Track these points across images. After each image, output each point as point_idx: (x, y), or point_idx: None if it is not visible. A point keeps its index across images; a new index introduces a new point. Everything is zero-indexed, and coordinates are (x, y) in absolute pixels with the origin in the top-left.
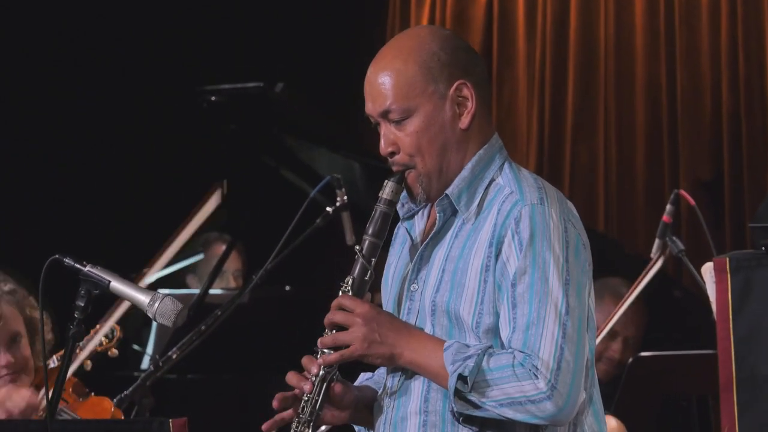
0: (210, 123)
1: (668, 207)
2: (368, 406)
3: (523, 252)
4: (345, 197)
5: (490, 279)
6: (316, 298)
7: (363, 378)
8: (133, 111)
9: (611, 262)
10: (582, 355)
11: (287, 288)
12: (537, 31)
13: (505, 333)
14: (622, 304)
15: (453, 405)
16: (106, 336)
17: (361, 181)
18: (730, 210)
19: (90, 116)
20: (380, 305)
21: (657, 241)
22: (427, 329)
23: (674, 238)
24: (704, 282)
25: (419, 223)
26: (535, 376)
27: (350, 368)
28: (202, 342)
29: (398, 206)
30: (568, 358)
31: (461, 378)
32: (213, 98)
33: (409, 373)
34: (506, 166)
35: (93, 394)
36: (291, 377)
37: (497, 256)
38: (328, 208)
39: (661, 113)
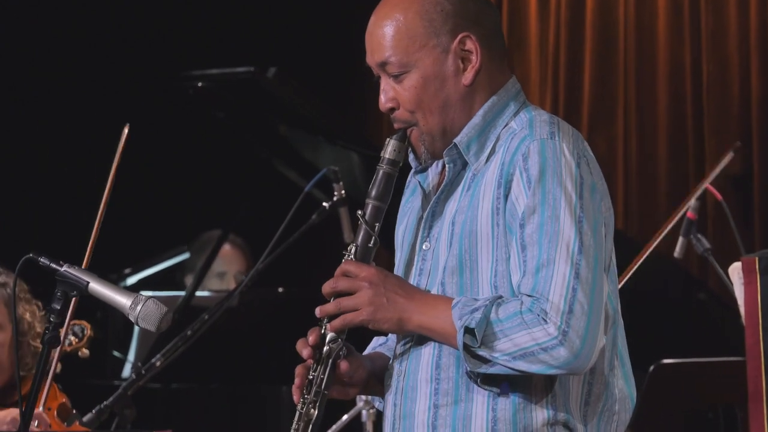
0: (196, 111)
1: (693, 202)
2: (381, 377)
3: (532, 190)
4: (343, 191)
5: (501, 222)
6: (312, 301)
7: (376, 343)
8: (111, 98)
9: (631, 261)
10: (599, 297)
11: (280, 290)
12: (550, 10)
13: (515, 278)
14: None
15: (466, 364)
16: (75, 335)
17: (360, 174)
18: (760, 206)
19: (66, 105)
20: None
21: (681, 240)
22: (439, 290)
23: (699, 236)
24: (732, 283)
25: (433, 176)
26: (544, 320)
27: (359, 337)
28: (189, 348)
29: (410, 159)
30: (581, 300)
31: (469, 331)
32: (200, 84)
33: (418, 338)
34: (524, 110)
35: (78, 418)
36: (298, 344)
37: (506, 196)
38: (324, 203)
39: (686, 100)
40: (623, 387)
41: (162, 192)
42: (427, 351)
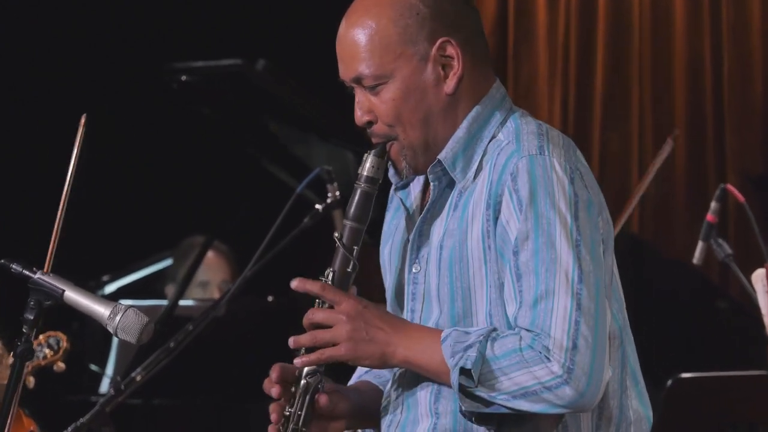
0: (180, 107)
1: (713, 204)
2: (370, 409)
3: (524, 213)
4: (337, 192)
5: (492, 246)
6: (304, 311)
7: (361, 371)
8: (88, 93)
9: (646, 267)
10: (602, 328)
11: (270, 299)
12: None
13: (511, 309)
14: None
15: (461, 405)
16: (50, 347)
17: (356, 174)
18: None
19: (41, 100)
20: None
21: (700, 244)
22: (435, 316)
23: (720, 240)
24: (755, 291)
25: (415, 193)
26: (547, 358)
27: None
28: (171, 362)
29: (390, 174)
30: (585, 334)
31: (464, 372)
32: (184, 78)
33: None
34: (511, 119)
35: None
36: (265, 383)
37: (496, 218)
38: (317, 205)
39: (705, 96)
40: (638, 407)
41: (143, 194)
42: (424, 383)
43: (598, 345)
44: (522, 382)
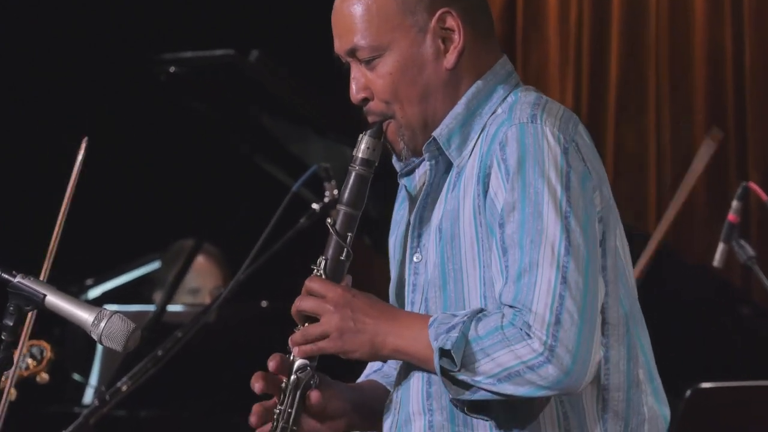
0: (168, 100)
1: (734, 203)
2: (373, 409)
3: (511, 183)
4: (335, 191)
5: (484, 222)
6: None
7: (370, 370)
8: (72, 86)
9: (664, 273)
10: (592, 303)
11: (264, 304)
12: None
13: (498, 287)
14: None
15: (448, 391)
16: (33, 357)
17: None
18: None
19: (17, 96)
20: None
21: (721, 246)
22: (423, 307)
23: (742, 242)
24: None
25: (420, 178)
26: (528, 335)
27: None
28: (159, 371)
29: (393, 160)
30: (570, 308)
31: (445, 354)
32: (172, 69)
33: (406, 363)
34: (512, 93)
35: None
36: (252, 379)
37: (486, 192)
38: (314, 205)
39: (726, 88)
40: (653, 404)
41: (129, 193)
42: (417, 378)
43: (585, 321)
44: (504, 362)
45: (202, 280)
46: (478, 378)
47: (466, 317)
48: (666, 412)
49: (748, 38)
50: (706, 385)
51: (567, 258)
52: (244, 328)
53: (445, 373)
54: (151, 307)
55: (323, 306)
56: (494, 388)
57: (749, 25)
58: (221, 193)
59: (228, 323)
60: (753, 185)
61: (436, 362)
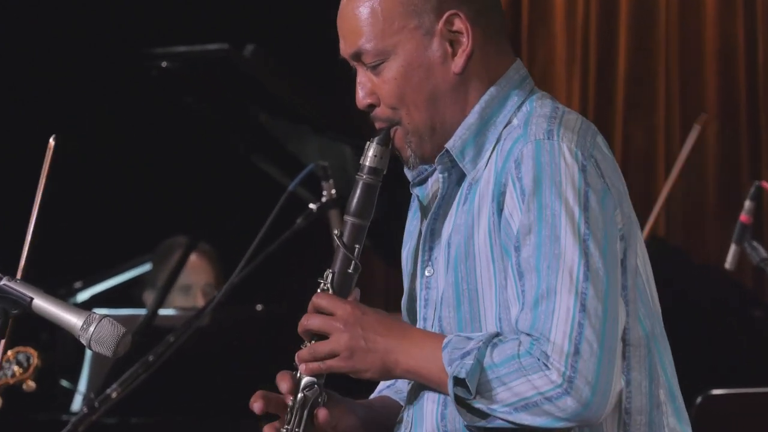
0: (160, 96)
1: (747, 203)
2: (384, 427)
3: (526, 204)
4: (333, 191)
5: (498, 242)
6: (297, 320)
7: (383, 386)
8: (59, 82)
9: (674, 275)
10: (612, 331)
11: (259, 307)
12: None
13: (514, 312)
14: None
15: (462, 418)
16: (19, 364)
17: (354, 171)
18: None
19: (7, 87)
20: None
21: (733, 248)
22: (437, 326)
23: (755, 243)
24: None
25: (432, 186)
26: (545, 365)
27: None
28: (151, 376)
29: (405, 169)
30: (589, 338)
31: (459, 382)
32: (164, 64)
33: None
34: (528, 102)
35: None
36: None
37: (500, 211)
38: (311, 205)
39: (738, 85)
40: (675, 425)
41: (119, 192)
42: (430, 399)
43: (605, 350)
44: (521, 392)
45: (193, 277)
46: (493, 406)
47: (481, 342)
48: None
49: (761, 33)
50: (717, 391)
51: (586, 284)
52: (238, 332)
53: (459, 401)
54: (142, 311)
55: (332, 324)
56: (510, 418)
57: (762, 20)
58: (215, 191)
59: (222, 327)
60: (766, 185)
61: (450, 390)
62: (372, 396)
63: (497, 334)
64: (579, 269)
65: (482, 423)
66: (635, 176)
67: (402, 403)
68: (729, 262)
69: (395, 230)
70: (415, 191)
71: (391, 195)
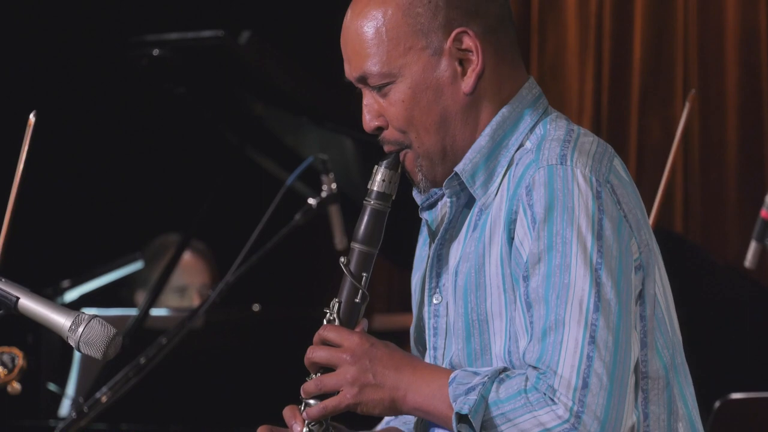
0: (151, 86)
1: None
2: None
3: (537, 232)
4: (333, 185)
5: (509, 272)
6: (295, 321)
7: (388, 418)
8: (44, 71)
9: (692, 273)
10: (622, 365)
11: (256, 308)
12: None
13: (522, 344)
14: None
15: None
16: (4, 365)
17: (354, 164)
18: None
19: None
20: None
21: (753, 245)
22: (457, 354)
23: None
24: None
25: (441, 209)
26: (552, 400)
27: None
28: (142, 380)
29: (414, 192)
30: (598, 371)
31: (462, 419)
32: (156, 52)
33: None
34: (541, 124)
35: None
36: None
37: (511, 239)
38: (310, 200)
39: (761, 74)
40: None
41: (108, 187)
42: (441, 430)
43: (616, 384)
44: (527, 428)
45: (189, 278)
46: None
47: (486, 377)
48: None
49: None
50: (737, 395)
51: (596, 315)
52: (233, 333)
53: None
54: (133, 311)
55: (339, 356)
56: None
57: None
58: (208, 186)
59: (216, 329)
60: None
61: (454, 426)
62: (378, 428)
63: (504, 369)
64: (589, 299)
65: None
66: (651, 171)
67: None
68: (749, 261)
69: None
70: (424, 215)
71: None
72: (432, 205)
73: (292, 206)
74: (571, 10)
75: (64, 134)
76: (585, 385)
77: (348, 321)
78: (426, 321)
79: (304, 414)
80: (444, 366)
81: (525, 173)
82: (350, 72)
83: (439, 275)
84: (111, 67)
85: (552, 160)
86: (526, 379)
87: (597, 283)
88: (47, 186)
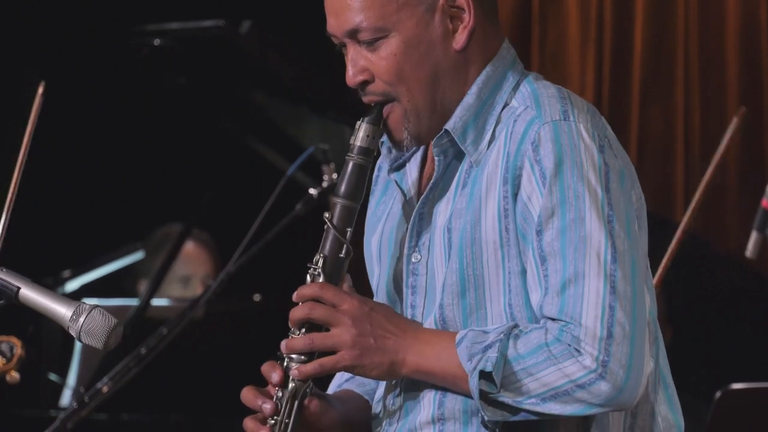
0: (152, 76)
1: None
2: (357, 421)
3: (548, 187)
4: (334, 175)
5: (511, 227)
6: None
7: (341, 379)
8: (45, 60)
9: (693, 264)
10: (641, 313)
11: (256, 297)
12: None
13: (535, 297)
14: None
15: (483, 414)
16: (2, 354)
17: None
18: None
19: None
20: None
21: (754, 235)
22: (437, 315)
23: None
24: None
25: (412, 172)
26: (578, 351)
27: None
28: (143, 370)
29: (382, 154)
30: (621, 320)
31: (484, 376)
32: (157, 42)
33: None
34: (525, 82)
35: None
36: (248, 395)
37: (516, 195)
38: (311, 190)
39: (762, 64)
40: (667, 414)
41: (110, 177)
42: (428, 387)
43: (637, 333)
44: (551, 381)
45: (192, 268)
46: (520, 399)
47: (502, 335)
48: (680, 421)
49: None
50: (737, 386)
51: (614, 266)
52: (234, 323)
53: (483, 396)
54: (134, 301)
55: (338, 317)
56: (538, 409)
57: None
58: (210, 176)
59: (217, 319)
60: None
61: (473, 385)
62: (330, 390)
63: (516, 326)
64: (606, 251)
65: (508, 417)
66: (652, 160)
67: (366, 397)
68: (750, 251)
69: None
70: (393, 176)
71: None
72: (401, 167)
73: (293, 196)
74: (571, 2)
75: (65, 124)
76: (609, 335)
77: (332, 276)
78: (404, 279)
79: (296, 371)
80: (425, 325)
81: (528, 129)
82: (338, 26)
83: (419, 234)
84: (112, 57)
85: (555, 116)
86: (546, 332)
87: (611, 235)
88: (48, 176)
